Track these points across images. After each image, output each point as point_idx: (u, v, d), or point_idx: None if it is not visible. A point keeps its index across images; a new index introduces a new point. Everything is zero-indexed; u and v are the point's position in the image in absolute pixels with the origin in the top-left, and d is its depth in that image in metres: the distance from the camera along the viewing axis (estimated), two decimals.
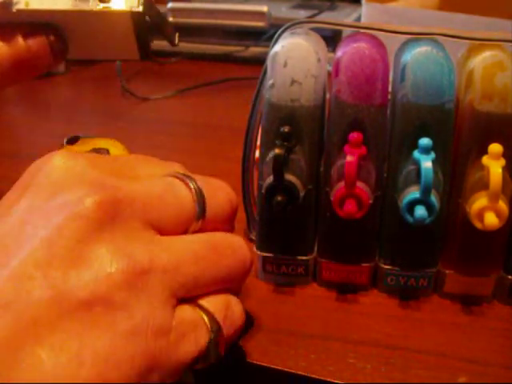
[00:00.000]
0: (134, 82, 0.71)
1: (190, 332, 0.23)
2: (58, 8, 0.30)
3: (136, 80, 0.73)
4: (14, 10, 0.30)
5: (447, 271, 0.33)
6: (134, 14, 0.30)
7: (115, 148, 0.38)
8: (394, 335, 0.31)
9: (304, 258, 0.34)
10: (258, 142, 0.34)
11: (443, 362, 0.29)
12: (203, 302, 0.24)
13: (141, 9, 0.30)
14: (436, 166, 0.30)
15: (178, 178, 0.26)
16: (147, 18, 0.31)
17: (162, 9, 0.79)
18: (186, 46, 0.81)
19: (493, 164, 0.29)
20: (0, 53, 0.31)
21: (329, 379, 0.28)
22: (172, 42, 0.35)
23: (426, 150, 0.29)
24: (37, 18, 0.31)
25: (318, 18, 0.42)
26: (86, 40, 0.33)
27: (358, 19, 0.74)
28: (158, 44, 0.82)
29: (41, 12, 0.30)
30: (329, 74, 0.33)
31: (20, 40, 0.31)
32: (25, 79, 0.34)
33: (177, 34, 0.36)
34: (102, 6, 0.30)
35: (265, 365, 0.29)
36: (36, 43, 0.32)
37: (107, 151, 0.37)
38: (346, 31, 0.36)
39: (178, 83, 0.70)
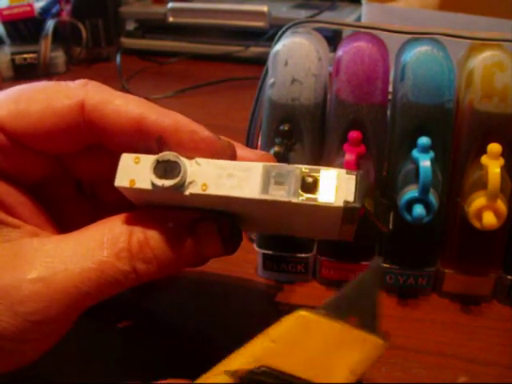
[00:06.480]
0: (133, 82, 0.71)
1: None
2: (245, 196, 0.23)
3: (136, 80, 0.73)
4: (186, 194, 0.23)
5: (446, 270, 0.33)
6: (347, 208, 0.23)
7: None
8: (393, 335, 0.31)
9: (304, 255, 0.34)
10: (259, 143, 0.34)
11: (443, 362, 0.29)
12: None
13: (358, 204, 0.23)
14: (435, 165, 0.30)
15: None
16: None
17: (162, 9, 0.80)
18: (186, 46, 0.81)
19: (491, 164, 0.29)
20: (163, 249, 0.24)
21: None
22: (386, 227, 0.26)
23: (424, 149, 0.29)
24: (212, 205, 0.24)
25: (318, 18, 0.42)
26: (272, 222, 0.27)
27: (358, 19, 0.74)
28: (158, 44, 0.84)
29: (220, 198, 0.23)
30: (330, 73, 0.33)
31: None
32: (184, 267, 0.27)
33: (391, 216, 0.27)
34: (305, 196, 0.23)
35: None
36: (204, 232, 0.25)
37: None
38: (347, 31, 0.36)
39: (178, 83, 0.70)
